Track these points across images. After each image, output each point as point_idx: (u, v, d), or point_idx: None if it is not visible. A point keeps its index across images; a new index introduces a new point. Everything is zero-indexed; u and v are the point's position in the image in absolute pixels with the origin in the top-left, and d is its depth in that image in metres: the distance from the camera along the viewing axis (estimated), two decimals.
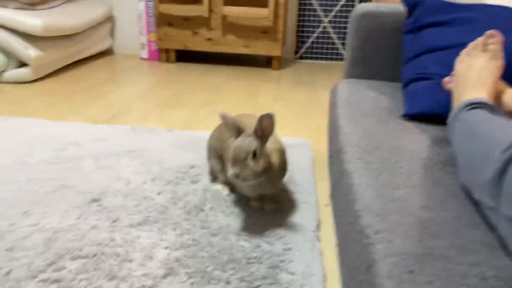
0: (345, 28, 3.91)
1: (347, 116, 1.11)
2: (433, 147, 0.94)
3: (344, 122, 1.07)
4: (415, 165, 0.83)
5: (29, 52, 2.71)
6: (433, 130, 1.05)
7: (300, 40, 4.01)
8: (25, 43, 2.72)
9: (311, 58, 4.05)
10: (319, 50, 4.02)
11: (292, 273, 1.08)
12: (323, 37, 3.97)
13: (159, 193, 1.44)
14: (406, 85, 1.28)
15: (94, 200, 1.37)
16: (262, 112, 1.14)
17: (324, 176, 1.66)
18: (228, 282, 1.03)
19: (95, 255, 1.11)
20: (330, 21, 3.91)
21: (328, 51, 4.01)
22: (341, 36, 3.95)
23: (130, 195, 1.41)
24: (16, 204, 1.33)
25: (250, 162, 1.14)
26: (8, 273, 1.03)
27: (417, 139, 0.98)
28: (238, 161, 1.14)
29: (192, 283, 1.02)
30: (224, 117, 1.21)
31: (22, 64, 2.81)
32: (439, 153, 0.90)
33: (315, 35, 3.96)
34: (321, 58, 4.04)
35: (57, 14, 3.03)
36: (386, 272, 0.51)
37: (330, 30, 3.93)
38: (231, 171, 1.13)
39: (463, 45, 1.23)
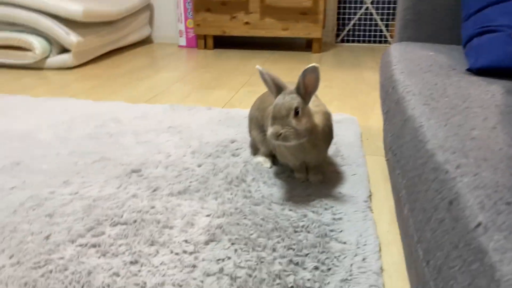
0: (388, 8, 3.74)
1: (404, 71, 1.00)
2: (508, 96, 0.82)
3: (402, 77, 0.96)
4: (490, 111, 0.72)
5: (71, 37, 2.75)
6: (505, 83, 0.93)
7: (341, 22, 3.88)
8: (67, 29, 2.76)
9: (353, 41, 3.91)
10: (362, 33, 3.86)
11: (344, 243, 0.99)
12: (365, 19, 3.82)
13: (199, 165, 1.38)
14: (468, 41, 1.16)
15: (134, 171, 1.33)
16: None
17: (373, 151, 1.56)
18: (274, 249, 0.96)
19: (135, 221, 1.06)
20: (372, 2, 3.75)
21: (371, 33, 3.85)
22: (385, 17, 3.78)
23: (171, 166, 1.36)
24: (57, 175, 1.31)
25: (292, 121, 1.05)
26: (47, 237, 1.00)
27: (488, 90, 0.86)
28: (279, 119, 1.05)
29: (235, 250, 0.96)
30: (262, 73, 1.13)
31: (64, 51, 2.86)
32: None
33: (357, 16, 3.81)
34: (364, 41, 3.89)
35: (97, 1, 3.06)
36: (477, 204, 0.42)
37: (373, 11, 3.77)
38: (271, 130, 1.05)
39: None
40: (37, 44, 2.72)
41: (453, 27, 1.40)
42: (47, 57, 2.81)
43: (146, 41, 4.02)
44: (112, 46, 3.33)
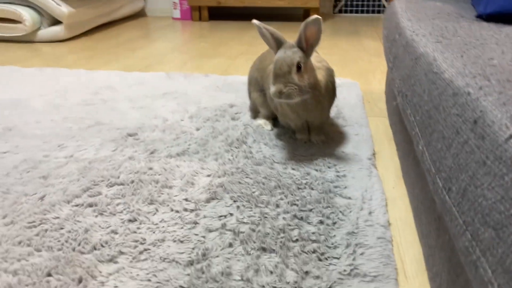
0: None
1: (411, 18, 0.95)
2: None
3: (409, 23, 0.92)
4: (507, 47, 0.67)
5: (62, 8, 2.66)
6: None
7: None
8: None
9: (351, 11, 3.82)
10: (360, 3, 3.78)
11: (349, 198, 0.96)
12: None
13: (197, 129, 1.34)
14: None
15: (130, 135, 1.29)
16: None
17: (376, 113, 1.52)
18: (277, 206, 0.92)
19: (132, 182, 1.03)
20: None
21: (370, 2, 3.76)
22: None
23: (168, 130, 1.32)
24: (51, 139, 1.27)
25: (295, 76, 1.01)
26: (42, 197, 0.96)
27: (501, 31, 0.82)
28: (281, 76, 1.01)
29: (238, 206, 0.92)
30: (260, 27, 1.08)
31: (55, 23, 2.77)
32: None
33: None
34: (362, 11, 3.80)
35: None
36: (507, 118, 0.38)
37: None
38: (273, 88, 1.01)
39: None
40: (27, 15, 2.63)
41: None
42: (38, 29, 2.73)
43: (139, 14, 3.92)
44: (104, 18, 3.24)
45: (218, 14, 3.70)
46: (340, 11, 3.84)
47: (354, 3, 3.79)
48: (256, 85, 1.33)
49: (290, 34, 3.00)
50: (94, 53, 2.49)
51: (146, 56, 2.40)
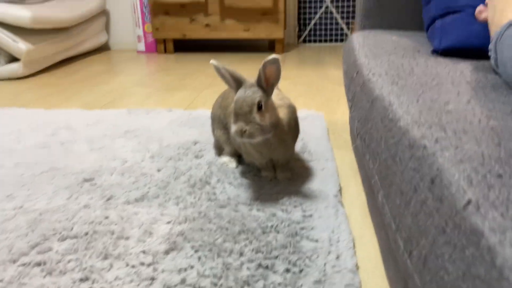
0: (348, 7, 3.75)
1: (368, 55, 0.95)
2: (478, 73, 0.78)
3: (366, 60, 0.91)
4: (462, 87, 0.67)
5: (19, 45, 2.58)
6: (472, 62, 0.89)
7: (302, 23, 3.86)
8: (15, 36, 2.59)
9: (315, 41, 3.89)
10: (323, 32, 3.86)
11: (316, 240, 0.92)
12: (325, 18, 3.81)
13: (159, 170, 1.29)
14: (430, 24, 1.12)
15: (87, 180, 1.22)
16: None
17: (341, 145, 1.50)
18: (241, 254, 0.88)
19: (86, 234, 0.96)
20: (332, 0, 3.75)
21: (333, 32, 3.84)
22: (345, 15, 3.78)
23: (127, 173, 1.26)
24: None
25: (256, 116, 0.98)
26: None
27: (456, 68, 0.82)
28: (242, 115, 0.98)
29: (199, 257, 0.87)
30: (218, 68, 1.05)
31: (13, 60, 2.69)
32: (487, 78, 0.74)
33: (317, 16, 3.80)
34: (326, 41, 3.88)
35: (48, 7, 2.91)
36: (464, 178, 0.35)
37: (333, 9, 3.77)
38: (234, 127, 0.98)
39: None
40: None
41: (414, 14, 1.37)
42: None
43: (103, 48, 3.86)
44: (66, 54, 3.17)
45: (184, 47, 3.69)
46: (304, 41, 3.90)
47: (317, 32, 3.86)
48: (220, 122, 1.30)
49: (255, 65, 3.02)
50: (54, 90, 2.41)
51: (108, 91, 2.34)
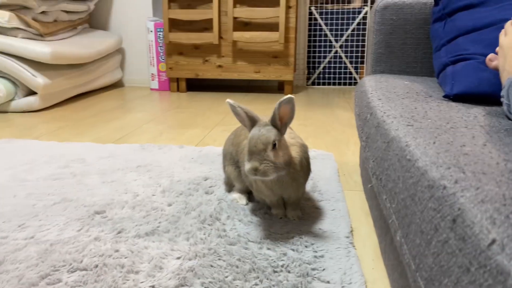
0: (357, 52, 3.85)
1: (382, 98, 0.97)
2: (491, 118, 0.79)
3: (380, 103, 0.93)
4: (476, 130, 0.68)
5: (37, 80, 2.66)
6: (484, 108, 0.91)
7: (312, 66, 3.95)
8: (34, 71, 2.68)
9: (324, 83, 3.97)
10: (332, 75, 3.94)
11: (327, 282, 0.91)
12: (334, 62, 3.91)
13: (169, 204, 1.29)
14: (442, 70, 1.16)
15: (98, 212, 1.23)
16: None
17: (351, 186, 1.51)
18: None
19: (96, 266, 0.95)
20: (341, 46, 3.85)
21: (341, 75, 3.93)
22: (353, 60, 3.88)
23: (138, 207, 1.27)
24: (11, 218, 1.19)
25: (270, 154, 1.00)
26: None
27: (469, 113, 0.84)
28: (256, 153, 1.00)
29: None
30: (233, 106, 1.08)
31: (30, 93, 2.76)
32: (501, 123, 0.76)
33: (327, 60, 3.90)
34: (334, 83, 3.96)
35: (66, 44, 3.02)
36: (487, 219, 0.36)
37: (342, 54, 3.87)
38: (248, 165, 0.99)
39: (504, 21, 1.11)
40: (2, 87, 2.61)
41: (424, 60, 1.41)
42: (12, 99, 2.71)
43: (117, 85, 3.97)
44: (81, 89, 3.25)
45: (196, 86, 3.78)
46: (313, 83, 3.98)
47: (326, 76, 3.94)
48: (231, 159, 1.32)
49: (265, 105, 3.08)
50: (68, 123, 2.46)
51: (121, 127, 2.39)
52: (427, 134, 0.63)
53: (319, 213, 1.25)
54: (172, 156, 1.77)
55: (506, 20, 1.12)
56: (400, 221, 0.54)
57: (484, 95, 0.98)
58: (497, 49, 0.97)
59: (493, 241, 0.34)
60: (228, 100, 1.09)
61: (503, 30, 0.99)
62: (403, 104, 0.89)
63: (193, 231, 1.12)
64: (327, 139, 2.12)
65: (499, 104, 0.82)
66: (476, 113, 0.82)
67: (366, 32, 3.74)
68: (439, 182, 0.46)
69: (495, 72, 0.99)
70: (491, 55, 1.02)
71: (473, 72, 1.03)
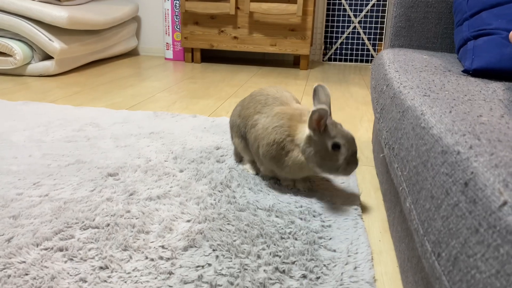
0: (376, 28, 3.77)
1: (399, 70, 0.95)
2: (510, 93, 0.77)
3: (397, 74, 0.92)
4: (495, 104, 0.67)
5: (54, 44, 2.67)
6: (504, 83, 0.89)
7: (329, 41, 3.89)
8: (51, 35, 2.68)
9: (340, 59, 3.91)
10: (349, 52, 3.88)
11: (334, 250, 0.92)
12: (352, 38, 3.83)
13: (181, 170, 1.31)
14: (462, 44, 1.13)
15: (111, 175, 1.25)
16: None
17: (362, 161, 1.50)
18: (258, 256, 0.88)
19: (107, 225, 0.98)
20: (360, 21, 3.77)
21: (358, 52, 3.86)
22: (372, 37, 3.80)
23: (150, 171, 1.28)
24: (27, 176, 1.22)
25: None
26: (9, 239, 0.91)
27: (488, 87, 0.82)
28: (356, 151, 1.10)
29: (217, 256, 0.87)
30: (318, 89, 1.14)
31: (47, 57, 2.78)
32: None
33: (344, 35, 3.83)
34: (351, 60, 3.89)
35: (83, 10, 3.01)
36: (500, 182, 0.36)
37: (360, 30, 3.79)
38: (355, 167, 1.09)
39: None
40: (19, 50, 2.63)
41: (445, 35, 1.38)
42: (28, 63, 2.73)
43: (132, 53, 3.96)
44: (96, 55, 3.26)
45: (211, 57, 3.76)
46: (329, 59, 3.93)
47: (343, 52, 3.88)
48: (238, 131, 1.31)
49: (279, 79, 3.05)
50: (83, 89, 2.47)
51: (135, 94, 2.40)
52: (443, 104, 0.62)
53: (329, 186, 1.25)
54: (185, 124, 1.78)
55: None
56: (410, 188, 0.54)
57: (505, 71, 0.95)
58: None
59: (505, 203, 0.33)
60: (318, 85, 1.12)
61: None
62: (420, 76, 0.88)
63: (203, 196, 1.14)
64: (340, 115, 2.11)
65: None
66: (495, 88, 0.81)
67: (386, 7, 3.65)
68: (453, 148, 0.45)
69: None
70: None
71: (495, 47, 1.00)
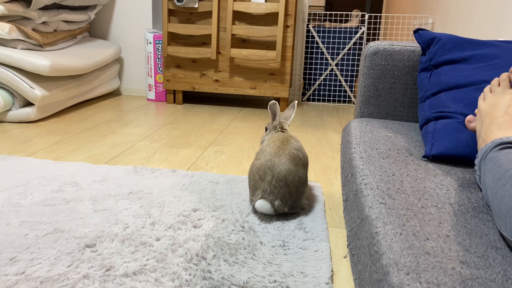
0: (352, 70, 3.91)
1: (363, 156, 1.02)
2: (461, 192, 0.84)
3: (360, 163, 0.98)
4: (445, 211, 0.73)
5: (35, 91, 2.70)
6: (458, 172, 0.96)
7: (307, 82, 4.00)
8: (32, 82, 2.71)
9: (318, 100, 4.02)
10: (326, 92, 3.99)
11: None
12: (330, 79, 3.96)
13: (158, 239, 1.33)
14: (424, 124, 1.20)
15: (88, 246, 1.27)
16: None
17: (336, 222, 1.55)
18: None
19: None
20: (337, 64, 3.91)
21: (336, 93, 3.98)
22: (348, 78, 3.93)
23: (127, 241, 1.31)
24: (4, 250, 1.23)
25: None
26: None
27: (442, 182, 0.88)
28: None
29: None
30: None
31: (28, 104, 2.79)
32: (470, 198, 0.80)
33: (322, 77, 3.95)
34: (328, 100, 4.01)
35: (66, 55, 3.05)
36: None
37: (337, 72, 3.92)
38: None
39: (484, 82, 1.17)
40: None
41: (410, 104, 1.46)
42: (9, 109, 2.74)
43: (114, 93, 4.00)
44: (78, 99, 3.29)
45: (192, 98, 3.82)
46: (308, 99, 4.03)
47: (321, 93, 4.00)
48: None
49: (259, 122, 3.11)
50: (63, 137, 2.49)
51: (116, 143, 2.42)
52: (396, 219, 0.68)
53: (303, 254, 1.29)
54: (164, 181, 1.81)
55: (486, 81, 1.17)
56: None
57: (461, 157, 1.02)
58: (476, 111, 1.02)
59: None
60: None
61: (482, 94, 1.04)
62: (382, 168, 0.94)
63: (179, 271, 1.16)
64: (316, 166, 2.17)
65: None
66: (450, 184, 0.87)
67: (362, 50, 3.79)
68: None
69: (473, 134, 1.04)
70: (470, 117, 1.07)
71: (452, 132, 1.08)
